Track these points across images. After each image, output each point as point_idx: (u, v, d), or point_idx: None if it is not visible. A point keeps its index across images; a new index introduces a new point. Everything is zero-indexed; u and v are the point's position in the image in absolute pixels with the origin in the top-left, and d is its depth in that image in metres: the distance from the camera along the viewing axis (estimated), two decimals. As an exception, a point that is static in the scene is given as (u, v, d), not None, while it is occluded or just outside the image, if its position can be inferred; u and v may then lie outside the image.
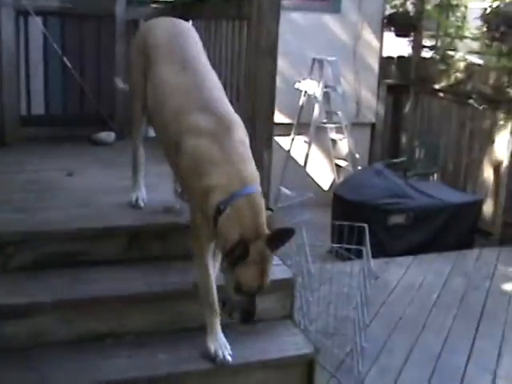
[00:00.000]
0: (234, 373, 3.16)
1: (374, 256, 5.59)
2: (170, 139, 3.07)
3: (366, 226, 4.78)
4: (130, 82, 3.76)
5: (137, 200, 3.74)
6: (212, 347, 3.05)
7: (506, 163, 8.04)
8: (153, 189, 3.88)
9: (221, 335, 3.08)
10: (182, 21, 3.64)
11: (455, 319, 5.20)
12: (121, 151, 4.76)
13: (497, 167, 8.30)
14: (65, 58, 5.29)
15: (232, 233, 2.69)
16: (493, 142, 8.41)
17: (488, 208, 8.31)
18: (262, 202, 2.80)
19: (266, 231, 2.73)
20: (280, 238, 2.74)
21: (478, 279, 6.12)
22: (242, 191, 2.75)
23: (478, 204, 7.84)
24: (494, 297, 5.73)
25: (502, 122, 8.23)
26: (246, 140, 3.00)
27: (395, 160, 9.36)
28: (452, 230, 7.29)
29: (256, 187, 2.83)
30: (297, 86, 8.96)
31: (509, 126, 8.06)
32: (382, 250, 6.53)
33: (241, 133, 2.98)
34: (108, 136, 5.35)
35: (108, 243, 3.48)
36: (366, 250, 4.52)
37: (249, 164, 2.89)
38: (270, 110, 3.97)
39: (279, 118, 8.35)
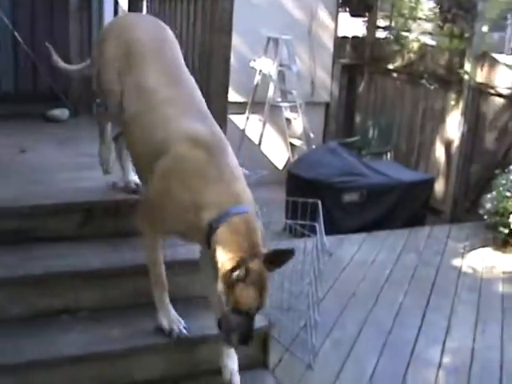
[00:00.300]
0: (191, 346, 3.20)
1: (328, 233, 5.69)
2: (154, 145, 2.93)
3: (319, 202, 4.83)
4: (100, 79, 3.37)
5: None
6: (165, 322, 3.06)
7: (457, 143, 8.20)
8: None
9: (172, 310, 3.09)
10: (160, 22, 3.51)
11: (406, 294, 5.31)
12: (75, 128, 4.72)
13: (448, 147, 8.46)
14: (16, 33, 5.21)
15: (229, 252, 2.61)
16: (444, 121, 8.56)
17: (439, 186, 8.47)
18: (256, 221, 2.74)
19: (263, 250, 2.65)
20: (279, 258, 2.64)
21: (429, 255, 6.24)
22: (236, 209, 2.68)
23: (430, 182, 7.98)
24: (444, 272, 5.86)
25: (453, 103, 8.38)
26: (235, 159, 2.92)
27: (349, 139, 9.46)
28: (404, 207, 7.41)
29: (250, 206, 2.77)
30: (252, 64, 8.96)
31: (460, 106, 8.21)
32: (336, 228, 6.61)
33: (231, 151, 2.91)
34: (62, 113, 5.30)
35: (62, 220, 3.47)
36: (320, 225, 4.59)
37: (242, 183, 2.82)
38: (224, 88, 3.97)
39: (234, 96, 8.34)
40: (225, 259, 2.62)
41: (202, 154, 2.78)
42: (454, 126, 8.30)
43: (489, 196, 6.65)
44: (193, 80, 3.22)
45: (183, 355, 3.20)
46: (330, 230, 6.37)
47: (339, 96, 10.23)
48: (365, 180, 7.34)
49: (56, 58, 3.99)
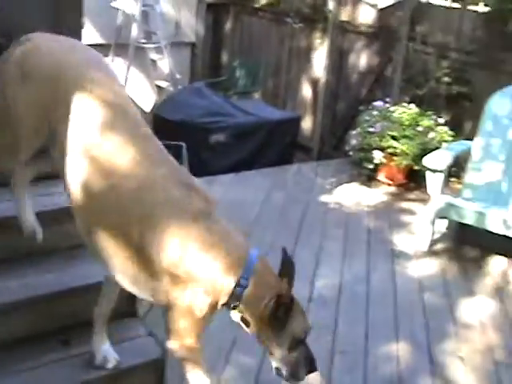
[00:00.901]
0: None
1: (198, 175, 5.58)
2: (127, 226, 2.37)
3: (183, 144, 4.71)
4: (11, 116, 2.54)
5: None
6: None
7: (322, 81, 8.26)
8: None
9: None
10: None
11: (276, 232, 5.33)
12: None
13: (314, 85, 8.53)
14: None
15: (267, 296, 2.39)
16: (310, 60, 8.60)
17: (307, 124, 8.56)
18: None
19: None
20: (289, 272, 2.46)
21: (297, 193, 6.31)
22: (251, 257, 2.43)
23: (297, 121, 8.05)
24: (312, 209, 5.94)
25: (318, 41, 8.41)
26: None
27: (216, 79, 9.34)
28: (272, 146, 7.44)
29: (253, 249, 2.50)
30: (113, 4, 8.61)
31: (325, 45, 8.25)
32: (205, 169, 6.51)
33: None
34: None
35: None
36: (185, 167, 4.48)
37: (235, 232, 2.53)
38: (77, 25, 3.74)
39: (95, 38, 8.02)
40: (265, 304, 2.40)
41: (197, 226, 2.39)
42: (319, 64, 8.35)
43: (353, 132, 6.77)
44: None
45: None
46: (199, 172, 6.28)
47: (205, 36, 10.05)
48: (232, 120, 7.28)
49: None
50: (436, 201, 5.21)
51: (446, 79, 6.82)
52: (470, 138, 5.85)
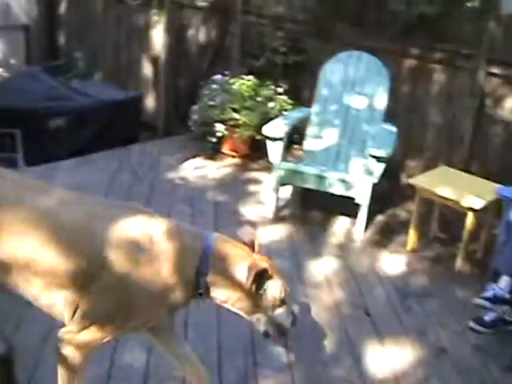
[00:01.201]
0: None
1: (38, 163, 5.42)
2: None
3: (17, 131, 4.54)
4: None
5: None
6: None
7: (162, 58, 8.19)
8: None
9: None
10: None
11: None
12: None
13: (155, 63, 8.44)
14: None
15: (240, 272, 2.53)
16: (150, 38, 8.50)
17: (151, 103, 8.49)
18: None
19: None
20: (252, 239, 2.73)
21: (144, 172, 6.26)
22: (207, 241, 2.59)
23: (139, 100, 7.97)
24: (159, 187, 5.93)
25: (155, 18, 8.32)
26: None
27: (54, 63, 9.04)
28: (116, 127, 7.32)
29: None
30: None
31: (163, 22, 8.17)
32: (47, 156, 6.30)
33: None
34: None
35: None
36: (20, 156, 4.32)
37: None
38: None
39: None
40: (242, 275, 2.52)
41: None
42: (158, 41, 8.27)
43: (195, 107, 6.78)
44: None
45: None
46: (41, 159, 6.10)
47: (39, 18, 9.68)
48: (72, 104, 7.10)
49: None
50: (277, 168, 5.34)
51: (283, 49, 6.95)
52: (309, 106, 6.03)
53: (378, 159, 5.01)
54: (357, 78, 5.92)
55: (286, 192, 5.71)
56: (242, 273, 2.53)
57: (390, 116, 5.82)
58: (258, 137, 6.21)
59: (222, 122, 6.47)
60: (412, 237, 5.08)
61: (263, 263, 2.61)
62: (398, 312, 4.25)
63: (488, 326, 4.06)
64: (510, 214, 4.25)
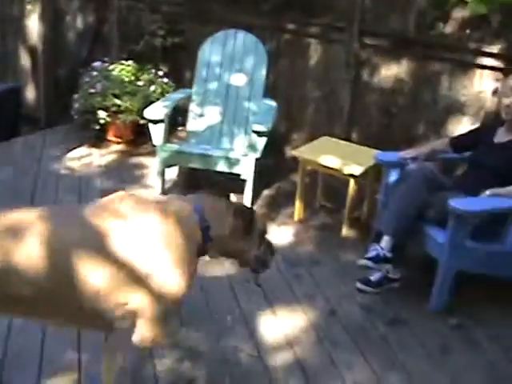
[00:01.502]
0: None
1: None
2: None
3: None
4: None
5: None
6: None
7: (40, 48, 7.97)
8: None
9: None
10: None
11: (9, 208, 5.12)
12: None
13: (33, 53, 8.22)
14: None
15: (227, 219, 2.72)
16: (25, 27, 8.27)
17: (31, 94, 8.28)
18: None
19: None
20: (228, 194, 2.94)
21: (27, 165, 6.11)
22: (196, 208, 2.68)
23: (17, 92, 7.76)
24: (44, 179, 5.80)
25: (29, 7, 8.09)
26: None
27: None
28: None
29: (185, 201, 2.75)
30: None
31: (37, 11, 7.95)
32: None
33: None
34: None
35: None
36: None
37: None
38: None
39: None
40: (231, 222, 2.72)
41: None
42: (35, 31, 8.05)
43: (76, 96, 6.67)
44: None
45: None
46: None
47: None
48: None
49: None
50: (161, 150, 5.34)
51: (161, 32, 6.92)
52: (191, 87, 6.05)
53: (260, 134, 5.10)
54: (234, 56, 5.98)
55: (173, 173, 5.72)
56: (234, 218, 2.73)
57: (271, 91, 5.92)
58: (142, 121, 6.18)
59: (105, 108, 6.39)
60: (298, 208, 5.20)
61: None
62: (289, 281, 4.34)
63: (374, 286, 4.23)
64: (388, 177, 4.44)
